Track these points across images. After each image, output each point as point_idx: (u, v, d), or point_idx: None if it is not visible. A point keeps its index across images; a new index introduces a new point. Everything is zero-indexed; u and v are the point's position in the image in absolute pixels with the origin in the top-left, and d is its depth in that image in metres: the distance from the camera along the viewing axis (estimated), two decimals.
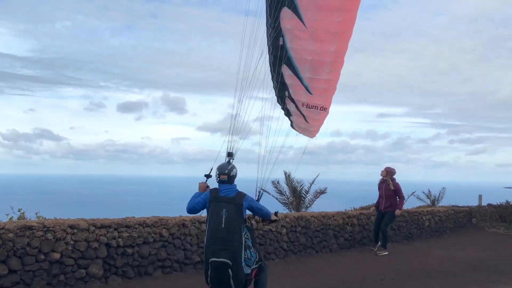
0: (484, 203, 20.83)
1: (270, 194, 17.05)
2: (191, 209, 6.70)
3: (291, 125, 8.75)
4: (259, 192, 7.55)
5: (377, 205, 13.64)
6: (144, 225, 9.09)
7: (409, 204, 19.57)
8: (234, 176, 6.82)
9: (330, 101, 8.38)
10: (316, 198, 15.56)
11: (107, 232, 8.51)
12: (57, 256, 7.81)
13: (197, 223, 10.00)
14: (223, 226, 6.33)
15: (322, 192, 15.59)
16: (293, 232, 12.00)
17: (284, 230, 11.76)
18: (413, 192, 19.90)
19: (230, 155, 7.26)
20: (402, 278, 10.19)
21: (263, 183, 7.68)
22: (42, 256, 7.67)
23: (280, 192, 17.23)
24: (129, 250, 8.77)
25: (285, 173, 17.11)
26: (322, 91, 8.25)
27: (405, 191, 13.94)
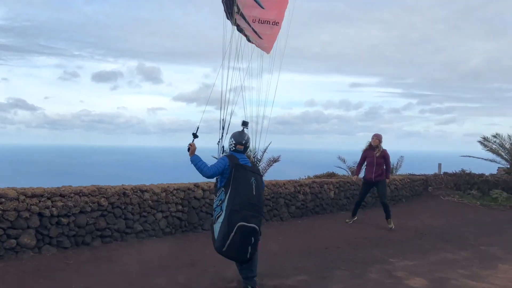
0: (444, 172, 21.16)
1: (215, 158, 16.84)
2: (214, 173, 6.61)
3: (248, 39, 8.27)
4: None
5: (364, 174, 12.93)
6: (80, 194, 8.86)
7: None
8: (248, 147, 7.04)
9: (283, 15, 7.96)
10: (269, 167, 15.48)
11: (39, 201, 8.25)
12: None
13: (138, 191, 9.82)
14: (254, 194, 6.47)
15: (275, 160, 15.48)
16: None
17: None
18: None
19: (245, 124, 7.12)
20: (348, 247, 10.22)
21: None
22: None
23: None
24: (64, 220, 8.55)
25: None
26: (274, 5, 7.85)
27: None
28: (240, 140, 6.90)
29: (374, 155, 12.58)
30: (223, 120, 7.38)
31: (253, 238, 6.50)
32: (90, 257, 8.32)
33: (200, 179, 10.97)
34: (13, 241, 7.90)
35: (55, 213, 8.43)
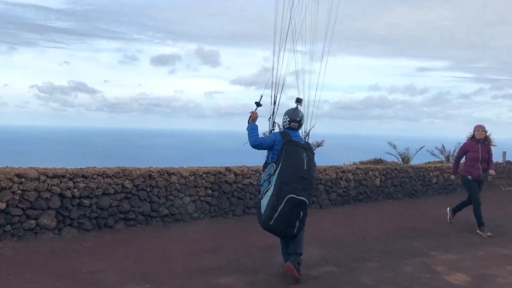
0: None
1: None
2: (260, 144, 6.64)
3: None
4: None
5: (467, 171, 11.09)
6: (104, 175, 8.71)
7: (421, 159, 18.76)
8: (302, 124, 6.97)
9: None
10: None
11: (61, 182, 8.15)
12: (2, 205, 7.51)
13: (165, 174, 9.57)
14: (305, 168, 6.46)
15: (318, 145, 14.92)
16: None
17: None
18: (422, 147, 19.00)
19: (298, 101, 7.04)
20: (387, 237, 9.57)
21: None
22: None
23: None
24: (86, 201, 8.43)
25: (278, 125, 16.47)
26: None
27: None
28: (295, 117, 6.83)
29: (483, 150, 10.95)
30: (274, 96, 7.22)
31: (301, 212, 6.44)
32: (109, 240, 8.16)
33: (234, 163, 10.62)
34: (33, 221, 7.84)
35: (76, 194, 8.31)
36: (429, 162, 18.00)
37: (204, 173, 10.19)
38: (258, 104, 6.96)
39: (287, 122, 6.81)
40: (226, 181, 10.52)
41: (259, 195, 6.99)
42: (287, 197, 6.28)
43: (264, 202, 6.49)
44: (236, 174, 10.70)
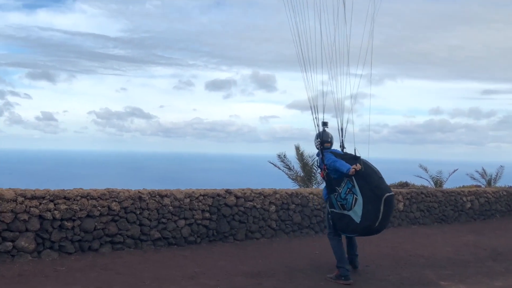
0: None
1: (279, 168, 16.07)
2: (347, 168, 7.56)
3: None
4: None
5: None
6: (88, 197, 8.46)
7: (459, 183, 17.58)
8: (332, 144, 8.16)
9: None
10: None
11: (40, 203, 7.96)
12: None
13: (157, 196, 9.23)
14: (375, 170, 7.71)
15: None
16: (284, 210, 10.90)
17: (273, 207, 10.69)
18: (455, 170, 17.84)
19: (325, 124, 8.00)
20: (395, 265, 8.85)
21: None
22: None
23: (288, 167, 16.12)
24: (68, 224, 8.19)
25: (296, 148, 16.06)
26: None
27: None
28: (326, 139, 8.02)
29: None
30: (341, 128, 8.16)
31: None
32: (87, 264, 7.84)
33: (233, 186, 10.17)
34: (9, 244, 7.66)
35: (57, 216, 8.09)
36: (463, 186, 16.83)
37: (201, 195, 9.79)
38: (324, 124, 8.02)
39: (320, 143, 7.97)
40: (226, 204, 10.06)
41: (335, 209, 7.79)
42: (384, 197, 7.36)
43: (358, 211, 7.47)
44: (237, 197, 10.23)
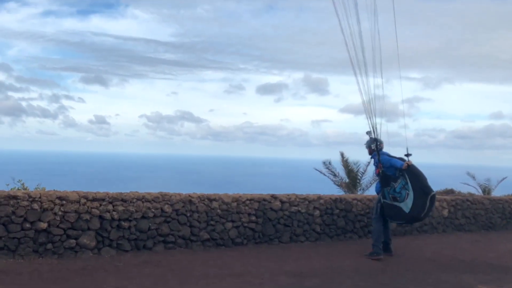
0: None
1: (324, 174, 16.39)
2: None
3: None
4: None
5: None
6: (143, 200, 9.14)
7: (509, 191, 17.38)
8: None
9: None
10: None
11: (100, 205, 8.69)
12: (43, 225, 8.15)
13: (206, 200, 9.82)
14: (421, 172, 9.77)
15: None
16: (329, 215, 11.29)
17: (317, 212, 11.10)
18: (504, 178, 17.63)
19: (369, 132, 9.91)
20: (436, 269, 9.07)
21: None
22: (28, 225, 8.05)
23: (333, 174, 16.43)
24: (125, 224, 8.88)
25: (341, 154, 16.37)
26: None
27: None
28: (381, 141, 10.01)
29: None
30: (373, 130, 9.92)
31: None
32: (142, 261, 8.50)
33: (282, 191, 10.64)
34: (73, 241, 8.41)
35: (115, 216, 8.80)
36: None
37: (247, 199, 10.31)
38: (369, 133, 9.89)
39: (379, 145, 9.91)
40: (271, 208, 10.55)
41: (386, 200, 9.83)
42: (430, 195, 9.50)
43: (409, 203, 9.46)
44: (282, 202, 10.70)
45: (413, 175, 9.55)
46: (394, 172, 9.74)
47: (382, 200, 9.91)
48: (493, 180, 17.38)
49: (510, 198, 14.79)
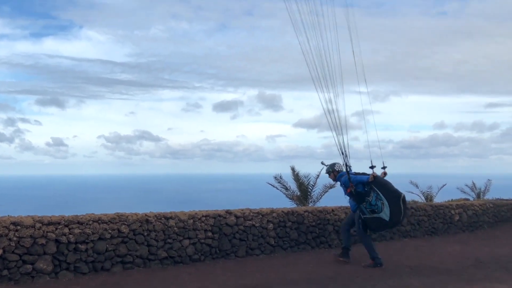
0: None
1: (276, 188, 16.79)
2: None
3: None
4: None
5: None
6: (99, 221, 9.22)
7: (449, 197, 18.29)
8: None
9: None
10: (325, 193, 15.00)
11: (56, 228, 8.72)
12: None
13: (163, 219, 9.98)
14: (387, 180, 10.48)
15: (331, 186, 14.98)
16: (282, 227, 11.64)
17: (271, 225, 11.43)
18: (444, 185, 18.54)
19: (323, 163, 11.18)
20: (382, 276, 9.51)
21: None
22: None
23: (285, 187, 16.86)
24: (82, 246, 8.94)
25: (292, 168, 16.83)
26: None
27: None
28: (340, 163, 10.87)
29: None
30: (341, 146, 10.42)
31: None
32: (101, 283, 8.56)
33: (239, 206, 10.89)
34: (29, 266, 8.39)
35: (72, 239, 8.84)
36: (452, 200, 17.54)
37: (203, 216, 10.53)
38: (323, 163, 11.04)
39: (342, 168, 10.74)
40: (227, 224, 10.80)
41: (366, 215, 10.35)
42: (401, 198, 10.07)
43: (387, 211, 10.09)
44: (237, 217, 10.98)
45: (381, 185, 10.23)
46: (363, 188, 10.40)
47: (362, 217, 10.46)
48: (434, 188, 18.23)
49: (450, 204, 15.58)
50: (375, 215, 10.28)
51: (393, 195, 10.13)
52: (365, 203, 10.37)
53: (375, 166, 10.45)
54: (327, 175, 11.32)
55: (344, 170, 10.64)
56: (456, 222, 15.23)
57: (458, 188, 19.26)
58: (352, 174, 10.55)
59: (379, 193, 10.17)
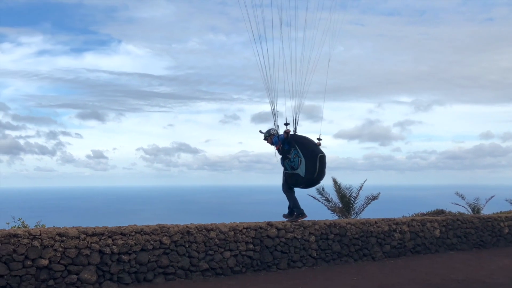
0: None
1: (318, 200, 16.63)
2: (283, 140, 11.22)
3: None
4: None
5: None
6: (142, 232, 9.34)
7: (498, 209, 17.69)
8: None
9: None
10: (367, 204, 14.76)
11: (100, 239, 8.87)
12: (45, 262, 8.30)
13: (204, 230, 10.02)
14: (310, 139, 11.16)
15: (374, 198, 14.73)
16: (324, 240, 11.50)
17: (313, 238, 11.32)
18: (492, 196, 17.93)
19: (286, 124, 11.14)
20: None
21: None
22: (29, 262, 8.19)
23: (327, 199, 16.66)
24: (125, 257, 9.06)
25: (333, 180, 16.63)
26: None
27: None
28: (274, 128, 11.39)
29: None
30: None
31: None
32: None
33: (275, 219, 10.85)
34: (74, 276, 8.56)
35: (115, 250, 8.98)
36: (501, 212, 16.93)
37: (244, 228, 10.52)
38: (261, 131, 11.49)
39: (276, 132, 11.29)
40: (268, 236, 10.75)
41: (287, 170, 11.04)
42: (319, 156, 10.67)
43: (303, 168, 10.69)
44: (278, 229, 10.92)
45: (300, 143, 10.90)
46: (289, 146, 10.99)
47: (284, 172, 11.21)
48: (481, 199, 17.69)
49: (499, 216, 15.05)
50: (294, 171, 10.89)
51: (310, 153, 10.72)
52: (287, 159, 11.00)
53: (289, 123, 11.06)
54: (265, 141, 11.64)
55: (278, 133, 11.27)
56: (506, 235, 14.70)
57: (507, 200, 18.59)
58: (281, 135, 11.11)
59: (299, 150, 10.80)
